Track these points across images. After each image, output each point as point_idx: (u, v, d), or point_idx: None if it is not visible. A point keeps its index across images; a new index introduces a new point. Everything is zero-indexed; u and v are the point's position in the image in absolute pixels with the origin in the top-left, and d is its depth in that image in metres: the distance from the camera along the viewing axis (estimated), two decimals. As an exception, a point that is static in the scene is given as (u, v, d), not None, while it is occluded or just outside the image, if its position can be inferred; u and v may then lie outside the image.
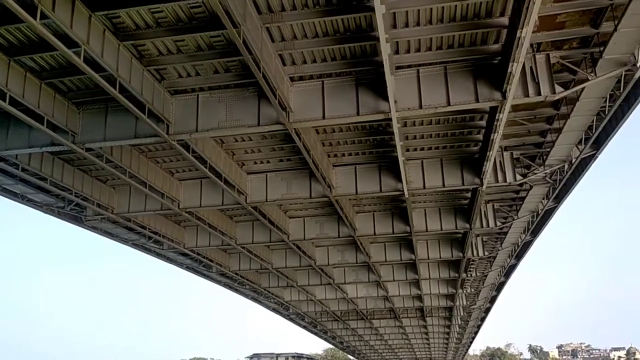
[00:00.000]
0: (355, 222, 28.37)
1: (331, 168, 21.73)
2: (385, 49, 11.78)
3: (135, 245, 29.91)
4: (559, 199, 26.41)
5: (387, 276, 40.67)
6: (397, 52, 14.61)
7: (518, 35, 11.85)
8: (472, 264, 36.67)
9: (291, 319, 62.37)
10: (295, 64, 14.94)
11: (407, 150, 21.14)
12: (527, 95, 14.37)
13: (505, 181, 20.90)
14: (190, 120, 15.59)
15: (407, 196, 21.70)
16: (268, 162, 21.83)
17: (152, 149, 20.01)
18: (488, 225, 27.47)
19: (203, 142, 17.94)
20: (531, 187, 23.91)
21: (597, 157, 21.10)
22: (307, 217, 28.70)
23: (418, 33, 13.68)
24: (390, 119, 15.10)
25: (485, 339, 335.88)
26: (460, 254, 33.18)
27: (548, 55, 14.52)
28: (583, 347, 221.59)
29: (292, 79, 15.40)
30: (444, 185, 21.35)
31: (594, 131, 17.79)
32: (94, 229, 26.69)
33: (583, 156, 20.58)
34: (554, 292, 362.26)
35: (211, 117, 15.57)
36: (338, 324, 65.05)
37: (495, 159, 21.13)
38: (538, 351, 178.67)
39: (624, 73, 14.76)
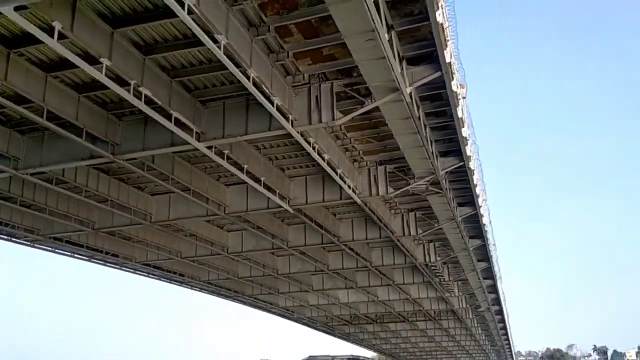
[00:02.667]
0: (289, 234, 29.77)
1: (224, 187, 23.27)
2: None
3: (95, 261, 32.38)
4: (473, 205, 26.78)
5: (363, 282, 41.60)
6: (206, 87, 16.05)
7: (249, 74, 13.10)
8: (435, 269, 36.93)
9: (305, 324, 63.83)
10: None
11: (289, 168, 22.44)
12: (310, 123, 15.42)
13: (379, 194, 21.74)
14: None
15: (292, 212, 22.94)
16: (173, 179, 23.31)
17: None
18: (410, 234, 28.18)
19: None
20: (425, 198, 24.47)
21: (469, 167, 21.62)
22: (244, 231, 30.19)
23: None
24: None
25: (545, 341, 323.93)
26: (414, 260, 33.88)
27: (332, 84, 15.53)
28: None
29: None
30: (324, 201, 22.46)
31: (427, 147, 18.42)
32: (48, 247, 29.26)
33: (449, 169, 21.17)
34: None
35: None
36: (355, 328, 66.02)
37: (370, 173, 22.11)
38: (606, 352, 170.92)
39: (411, 94, 15.61)
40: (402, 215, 28.32)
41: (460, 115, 17.93)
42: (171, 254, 31.00)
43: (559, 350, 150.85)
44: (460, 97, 18.03)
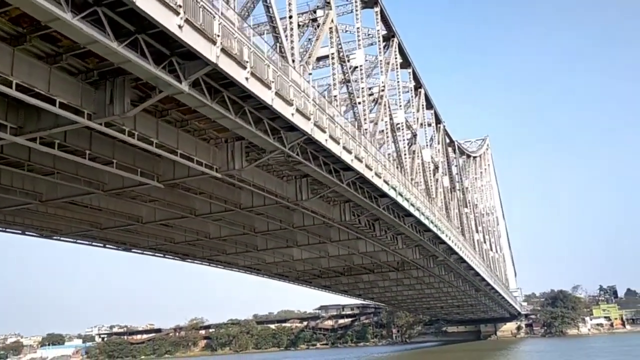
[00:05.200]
0: (196, 204, 31.54)
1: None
2: None
3: (29, 234, 34.67)
4: (346, 168, 28.07)
5: (303, 241, 43.54)
6: None
7: (11, 80, 14.52)
8: (359, 226, 38.45)
9: (279, 279, 66.12)
10: None
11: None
12: (106, 115, 16.81)
13: (234, 168, 23.18)
14: None
15: (162, 187, 24.63)
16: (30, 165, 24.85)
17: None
18: (302, 199, 29.69)
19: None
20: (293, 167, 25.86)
21: (316, 140, 22.95)
22: (157, 202, 31.89)
23: None
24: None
25: (556, 283, 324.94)
26: (330, 220, 35.61)
27: (124, 78, 16.84)
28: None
29: None
30: (188, 175, 23.99)
31: (250, 127, 19.72)
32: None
33: (296, 142, 22.48)
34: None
35: None
36: (329, 281, 68.34)
37: (228, 149, 23.52)
38: (615, 291, 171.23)
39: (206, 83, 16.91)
40: (295, 182, 29.79)
41: (269, 98, 19.10)
42: (92, 226, 33.11)
43: (562, 291, 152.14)
44: (269, 81, 19.25)
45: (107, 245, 40.95)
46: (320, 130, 23.60)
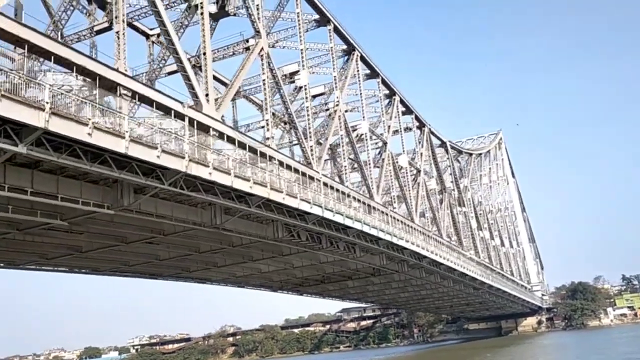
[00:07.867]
0: (125, 234, 33.96)
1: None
2: None
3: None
4: (250, 194, 30.04)
5: (257, 256, 45.69)
6: None
7: None
8: (300, 240, 40.25)
9: (264, 289, 68.15)
10: None
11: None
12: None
13: (124, 204, 25.48)
14: None
15: (66, 224, 27.08)
16: None
17: None
18: (217, 222, 31.83)
19: None
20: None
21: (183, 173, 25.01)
22: (87, 233, 33.94)
23: None
24: None
25: (572, 275, 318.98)
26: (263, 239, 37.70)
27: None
28: None
29: None
30: (88, 213, 26.34)
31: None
32: None
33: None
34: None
35: None
36: (316, 288, 69.92)
37: (118, 187, 25.80)
38: (638, 280, 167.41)
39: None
40: (211, 208, 31.88)
41: (123, 147, 21.27)
42: (40, 256, 35.92)
43: (581, 283, 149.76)
44: (123, 132, 21.39)
45: (74, 271, 43.94)
46: (201, 165, 25.59)
